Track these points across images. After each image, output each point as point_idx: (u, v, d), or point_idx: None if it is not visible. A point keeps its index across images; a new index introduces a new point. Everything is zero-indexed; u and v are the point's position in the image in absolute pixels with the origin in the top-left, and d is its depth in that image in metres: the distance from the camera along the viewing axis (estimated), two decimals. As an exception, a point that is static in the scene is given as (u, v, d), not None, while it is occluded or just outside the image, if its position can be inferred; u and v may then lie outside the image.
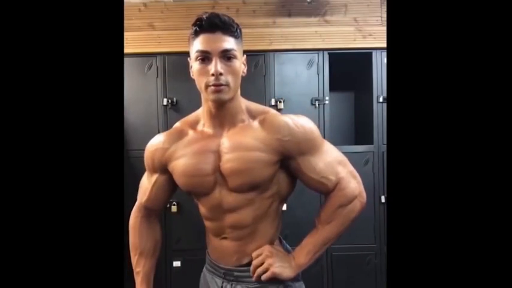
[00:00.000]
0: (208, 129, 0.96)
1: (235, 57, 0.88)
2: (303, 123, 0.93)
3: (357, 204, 0.95)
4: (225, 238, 0.98)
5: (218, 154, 0.93)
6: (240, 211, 0.94)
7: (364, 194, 0.97)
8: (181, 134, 0.99)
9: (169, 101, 2.26)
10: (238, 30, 0.91)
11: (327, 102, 2.28)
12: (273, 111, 0.97)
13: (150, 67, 2.29)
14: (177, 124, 1.03)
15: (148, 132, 2.26)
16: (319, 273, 2.28)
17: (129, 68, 2.26)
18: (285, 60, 2.29)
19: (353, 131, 2.71)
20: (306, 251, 0.95)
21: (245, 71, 0.96)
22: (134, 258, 1.09)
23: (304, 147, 0.92)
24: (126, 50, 2.20)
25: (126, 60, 2.23)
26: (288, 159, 0.93)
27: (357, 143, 2.58)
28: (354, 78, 2.54)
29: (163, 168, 1.01)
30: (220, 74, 0.85)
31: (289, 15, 2.30)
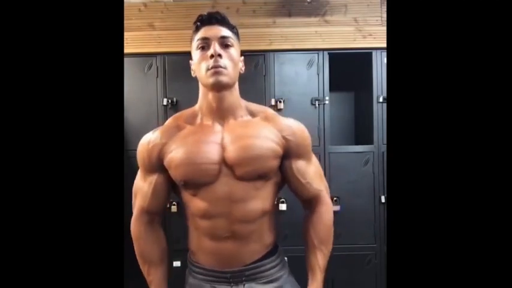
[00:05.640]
0: (207, 122, 0.96)
1: (232, 45, 0.93)
2: (303, 129, 1.01)
3: (332, 216, 1.04)
4: (227, 238, 0.93)
5: (221, 146, 0.93)
6: (249, 201, 0.93)
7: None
8: (177, 128, 0.97)
9: (169, 101, 2.26)
10: (235, 30, 0.97)
11: (327, 102, 2.28)
12: (271, 110, 1.02)
13: (150, 67, 2.29)
14: (170, 120, 1.01)
15: (148, 132, 2.26)
16: (319, 273, 2.27)
17: (129, 68, 2.25)
18: (285, 60, 2.29)
19: (353, 131, 2.70)
20: (320, 280, 0.99)
21: (243, 69, 1.00)
22: (144, 268, 1.02)
23: (302, 151, 0.99)
24: (126, 50, 2.19)
25: (126, 60, 2.22)
26: (285, 158, 0.98)
27: (357, 143, 2.58)
28: (354, 78, 2.54)
29: (161, 166, 0.96)
30: (219, 55, 0.90)
31: (289, 15, 2.29)
